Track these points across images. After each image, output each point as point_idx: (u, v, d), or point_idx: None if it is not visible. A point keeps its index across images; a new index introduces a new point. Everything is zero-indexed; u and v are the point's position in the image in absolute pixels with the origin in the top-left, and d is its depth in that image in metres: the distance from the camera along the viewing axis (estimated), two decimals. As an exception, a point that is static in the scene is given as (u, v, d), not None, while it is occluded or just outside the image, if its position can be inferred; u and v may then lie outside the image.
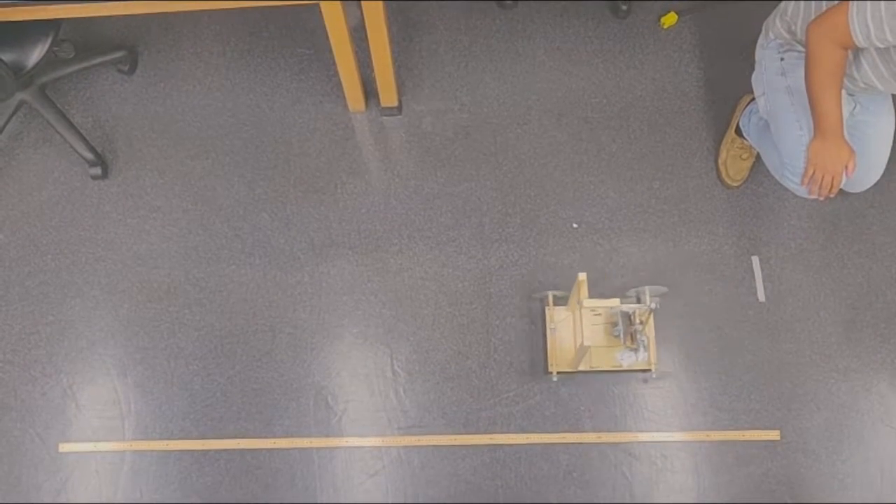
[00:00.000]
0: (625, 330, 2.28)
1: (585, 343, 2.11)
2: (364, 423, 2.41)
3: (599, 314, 2.34)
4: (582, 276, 2.17)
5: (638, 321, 2.27)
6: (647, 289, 2.32)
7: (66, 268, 2.56)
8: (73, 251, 2.58)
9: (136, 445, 2.40)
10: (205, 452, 2.39)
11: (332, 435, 2.40)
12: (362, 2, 2.16)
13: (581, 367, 2.34)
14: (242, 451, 2.38)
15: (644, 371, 2.39)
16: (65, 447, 2.40)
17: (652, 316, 2.34)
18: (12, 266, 2.57)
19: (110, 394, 2.45)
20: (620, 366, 2.34)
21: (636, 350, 2.28)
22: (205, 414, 2.42)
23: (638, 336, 2.27)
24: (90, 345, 2.49)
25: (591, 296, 2.19)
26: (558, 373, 2.37)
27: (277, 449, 2.39)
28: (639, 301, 2.34)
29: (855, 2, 1.84)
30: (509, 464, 2.36)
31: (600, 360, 2.36)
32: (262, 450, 2.38)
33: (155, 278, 2.55)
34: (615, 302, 2.15)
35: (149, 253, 2.57)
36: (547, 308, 2.43)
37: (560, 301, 2.44)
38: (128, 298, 2.53)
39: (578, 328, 2.21)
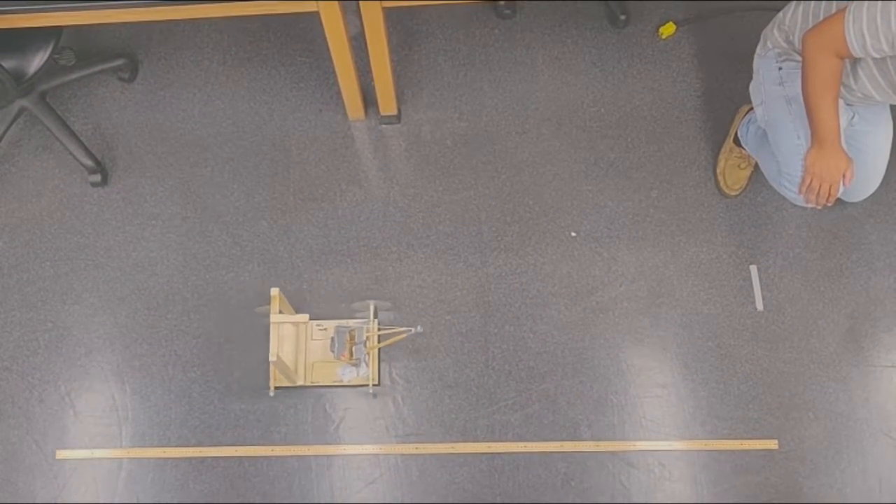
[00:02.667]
0: (342, 345, 2.27)
1: (271, 359, 2.12)
2: (362, 430, 2.40)
3: (325, 329, 2.38)
4: (275, 291, 2.19)
5: (360, 337, 2.28)
6: (371, 303, 2.38)
7: (65, 275, 2.56)
8: (71, 258, 2.58)
9: (134, 452, 2.39)
10: (202, 460, 2.38)
11: (329, 442, 2.39)
12: (362, 11, 2.17)
13: (300, 382, 2.37)
14: (240, 459, 2.38)
15: (363, 386, 2.38)
16: (62, 454, 2.39)
17: (377, 331, 2.36)
18: (11, 273, 2.57)
19: (108, 401, 2.44)
20: (341, 381, 2.35)
21: (357, 365, 2.29)
22: (202, 421, 2.41)
23: (356, 351, 2.27)
24: (88, 352, 2.49)
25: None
26: (276, 388, 2.35)
27: (275, 456, 2.38)
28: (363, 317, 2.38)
29: (851, 12, 1.85)
30: (507, 472, 2.35)
31: (321, 376, 2.38)
32: (259, 457, 2.38)
33: (154, 285, 2.55)
34: (304, 317, 2.20)
35: (148, 260, 2.58)
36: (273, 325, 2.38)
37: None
38: (126, 305, 2.53)
39: (308, 341, 2.36)
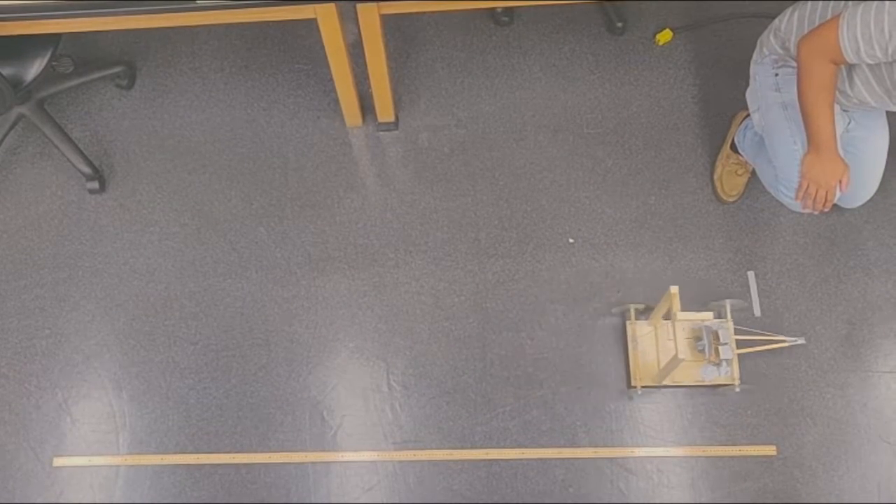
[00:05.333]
0: (710, 345, 2.26)
1: (680, 356, 2.10)
2: (360, 437, 2.40)
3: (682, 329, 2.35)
4: (674, 288, 2.15)
5: (724, 337, 2.25)
6: (727, 302, 2.34)
7: (63, 281, 2.56)
8: (69, 265, 2.58)
9: (131, 460, 2.39)
10: (200, 467, 2.38)
11: (327, 449, 2.39)
12: (360, 18, 2.17)
13: (665, 382, 2.34)
14: (238, 466, 2.38)
15: (724, 386, 2.36)
16: (59, 461, 2.39)
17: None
18: (8, 279, 2.57)
19: (105, 408, 2.44)
20: (703, 381, 2.33)
21: (718, 365, 2.26)
22: (200, 428, 2.41)
23: (722, 351, 2.24)
24: (86, 358, 2.48)
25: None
26: (642, 387, 2.36)
27: (273, 463, 2.38)
28: (719, 315, 2.34)
29: (845, 19, 1.86)
30: (505, 479, 2.35)
31: (683, 375, 2.34)
32: (257, 464, 2.38)
33: (151, 292, 2.55)
34: (708, 316, 2.17)
35: (145, 267, 2.58)
36: (628, 322, 2.42)
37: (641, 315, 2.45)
38: (124, 312, 2.53)
39: (663, 342, 2.27)
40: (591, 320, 2.48)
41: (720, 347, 2.23)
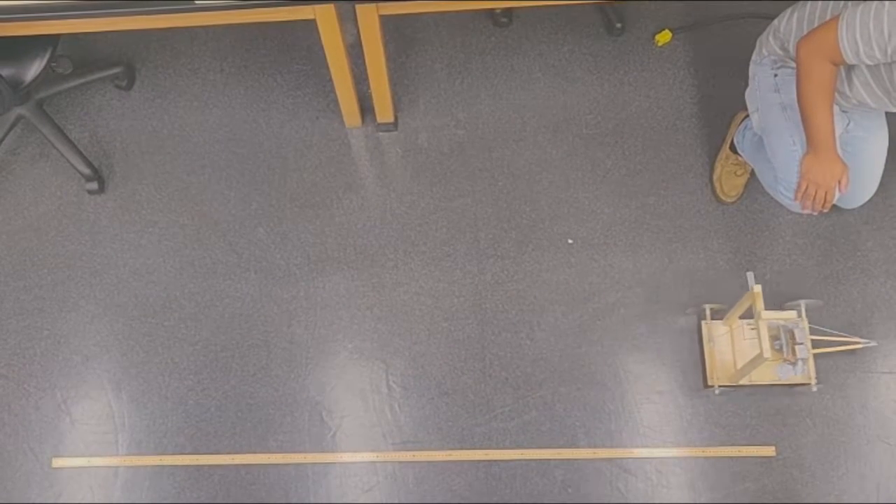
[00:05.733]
0: (787, 344, 2.26)
1: (765, 356, 2.11)
2: (359, 438, 2.40)
3: (755, 327, 2.33)
4: (757, 287, 2.16)
5: (800, 336, 2.25)
6: (802, 302, 2.35)
7: (62, 282, 2.56)
8: (68, 265, 2.58)
9: (130, 460, 2.39)
10: (199, 468, 2.38)
11: (326, 450, 2.39)
12: (359, 18, 2.17)
13: (741, 382, 2.35)
14: (237, 467, 2.38)
15: (801, 385, 2.36)
16: (58, 462, 2.39)
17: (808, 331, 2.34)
18: (8, 280, 2.57)
19: (104, 408, 2.44)
20: (779, 380, 2.33)
21: (794, 364, 2.26)
22: (199, 429, 2.41)
23: (799, 350, 2.24)
24: (85, 359, 2.48)
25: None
26: (720, 386, 2.36)
27: (272, 464, 2.38)
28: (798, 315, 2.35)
29: (844, 19, 1.86)
30: (504, 479, 2.35)
31: (760, 375, 2.34)
32: (256, 465, 2.38)
33: (150, 293, 2.55)
34: (791, 315, 2.18)
35: (144, 267, 2.58)
36: (704, 322, 2.43)
37: (716, 315, 2.45)
38: (123, 313, 2.53)
39: (739, 341, 2.30)
40: (591, 321, 2.48)
41: (796, 347, 2.23)
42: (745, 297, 2.23)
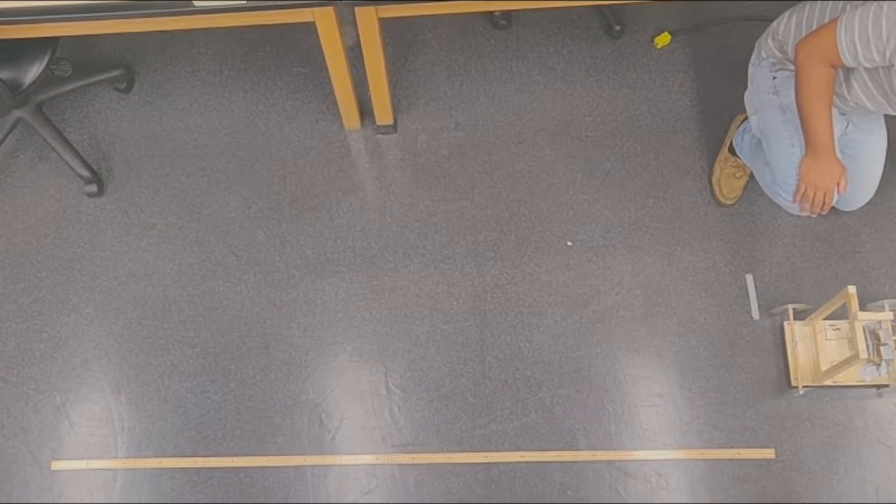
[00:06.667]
0: (872, 344, 2.23)
1: (861, 356, 2.11)
2: (358, 440, 2.40)
3: (838, 328, 2.36)
4: (852, 288, 2.16)
5: (885, 337, 2.22)
6: (885, 303, 2.34)
7: (61, 285, 2.56)
8: (67, 268, 2.58)
9: (129, 463, 2.38)
10: (198, 470, 2.38)
11: (325, 453, 2.39)
12: (358, 21, 2.17)
13: (826, 383, 2.35)
14: (236, 469, 2.37)
15: (884, 386, 2.36)
16: (57, 465, 2.39)
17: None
18: (6, 283, 2.57)
19: (104, 411, 2.44)
20: (863, 380, 2.32)
21: (878, 365, 2.24)
22: (198, 431, 2.41)
23: (884, 351, 2.21)
24: (84, 362, 2.48)
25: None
26: (804, 387, 2.35)
27: (271, 467, 2.37)
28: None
29: (843, 22, 1.86)
30: (504, 482, 2.35)
31: (844, 376, 2.33)
32: (255, 468, 2.37)
33: (150, 295, 2.55)
34: (888, 316, 2.18)
35: (144, 270, 2.57)
36: (787, 323, 2.42)
37: (799, 315, 2.45)
38: (122, 315, 2.53)
39: (822, 341, 2.33)
40: (590, 324, 2.48)
41: (881, 347, 2.21)
42: (835, 298, 2.23)
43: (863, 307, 2.39)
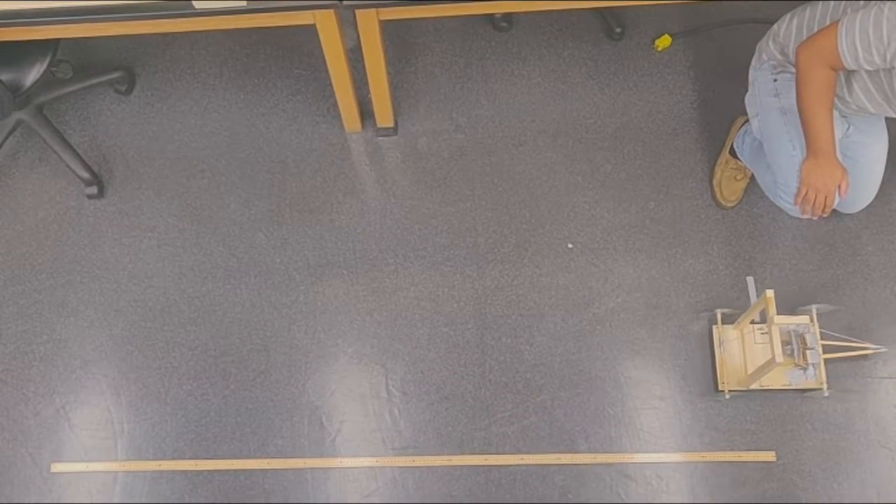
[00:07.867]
0: (798, 348, 2.24)
1: (777, 360, 2.12)
2: (358, 443, 2.40)
3: (766, 332, 2.35)
4: (770, 292, 2.16)
5: (811, 341, 2.24)
6: (812, 307, 2.34)
7: (61, 287, 2.56)
8: (68, 270, 2.58)
9: (129, 466, 2.38)
10: (198, 473, 2.37)
11: (326, 455, 2.38)
12: (359, 23, 2.17)
13: (752, 386, 2.35)
14: (236, 472, 2.37)
15: (813, 390, 2.36)
16: (57, 467, 2.38)
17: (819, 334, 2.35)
18: (6, 285, 2.57)
19: (103, 413, 2.43)
20: (790, 385, 2.32)
21: (805, 369, 2.25)
22: (198, 434, 2.40)
23: (810, 355, 2.23)
24: (84, 364, 2.48)
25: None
26: (730, 391, 2.36)
27: (271, 469, 2.37)
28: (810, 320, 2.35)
29: (844, 25, 1.86)
30: (504, 485, 2.35)
31: (771, 380, 2.34)
32: (255, 470, 2.37)
33: (150, 297, 2.54)
34: (804, 319, 2.19)
35: (144, 272, 2.57)
36: (715, 326, 2.43)
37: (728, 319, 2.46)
38: (122, 318, 2.52)
39: (750, 346, 2.31)
40: (591, 326, 2.48)
41: (807, 351, 2.22)
42: (757, 302, 2.23)
43: (795, 311, 2.40)
